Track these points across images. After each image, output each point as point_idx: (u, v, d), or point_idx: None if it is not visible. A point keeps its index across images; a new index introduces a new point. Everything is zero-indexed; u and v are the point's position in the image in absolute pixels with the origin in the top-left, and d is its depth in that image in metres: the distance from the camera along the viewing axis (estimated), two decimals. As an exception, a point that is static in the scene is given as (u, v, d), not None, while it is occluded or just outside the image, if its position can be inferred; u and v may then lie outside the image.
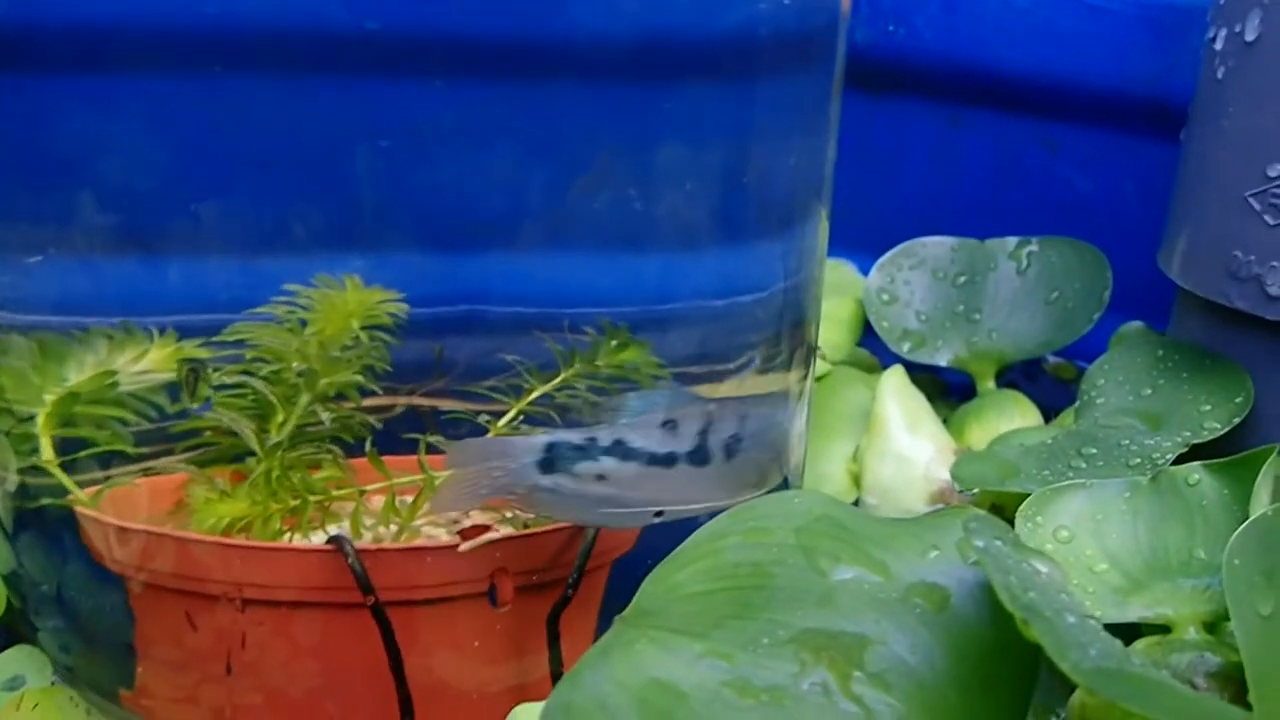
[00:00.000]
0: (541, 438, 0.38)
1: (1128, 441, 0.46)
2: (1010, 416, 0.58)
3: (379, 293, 0.40)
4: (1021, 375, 0.67)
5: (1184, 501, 0.37)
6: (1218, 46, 0.46)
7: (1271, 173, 0.44)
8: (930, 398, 0.67)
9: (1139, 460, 0.44)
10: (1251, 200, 0.44)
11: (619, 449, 0.38)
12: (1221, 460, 0.37)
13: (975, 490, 0.47)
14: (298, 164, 0.39)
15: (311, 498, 0.42)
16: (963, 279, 0.63)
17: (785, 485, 0.51)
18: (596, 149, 0.41)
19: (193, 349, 0.40)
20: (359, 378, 0.41)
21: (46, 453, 0.40)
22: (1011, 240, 0.64)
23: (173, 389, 0.40)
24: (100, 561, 0.41)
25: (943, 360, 0.62)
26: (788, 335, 0.46)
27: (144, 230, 0.38)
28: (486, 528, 0.39)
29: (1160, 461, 0.43)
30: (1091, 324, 0.58)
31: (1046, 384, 0.67)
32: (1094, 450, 0.46)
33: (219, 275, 0.40)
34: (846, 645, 0.31)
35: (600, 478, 0.38)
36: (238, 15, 0.37)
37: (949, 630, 0.31)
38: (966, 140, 0.69)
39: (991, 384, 0.61)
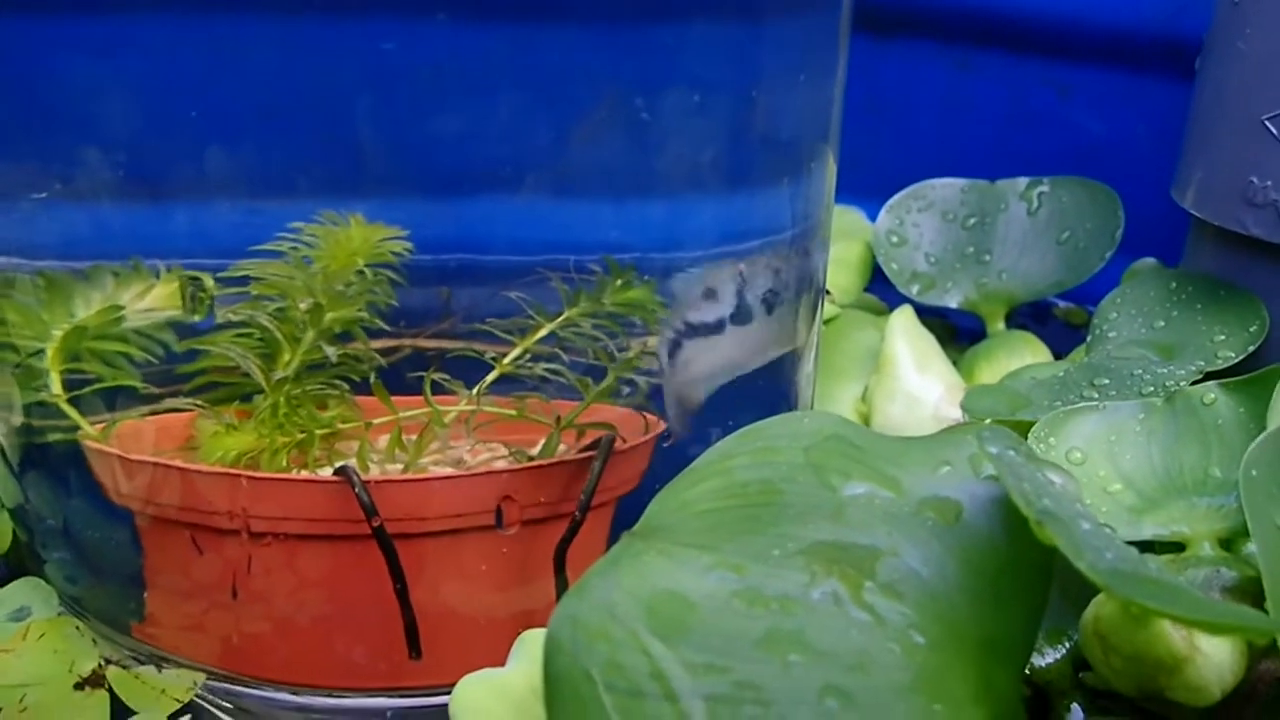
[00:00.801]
0: (664, 338, 0.41)
1: (1141, 371, 0.45)
2: (1021, 356, 0.57)
3: (383, 229, 0.40)
4: (1031, 319, 0.67)
5: (1199, 421, 0.37)
6: (1234, -31, 0.46)
7: (1288, 96, 0.43)
8: (940, 342, 0.66)
9: (1152, 389, 0.44)
10: (1269, 124, 0.44)
11: (689, 330, 0.40)
12: (1237, 379, 0.37)
13: (987, 422, 0.46)
14: (301, 107, 0.38)
15: (318, 431, 0.41)
16: (972, 220, 0.63)
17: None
18: (598, 90, 0.40)
19: (208, 284, 0.40)
20: (363, 314, 0.41)
21: (55, 388, 0.40)
22: (1022, 181, 0.63)
23: (179, 326, 0.39)
24: (107, 496, 0.41)
25: (953, 302, 0.61)
26: (795, 280, 0.45)
27: (150, 173, 0.38)
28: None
29: (1174, 389, 0.43)
30: (1103, 263, 0.58)
31: (1056, 328, 0.67)
32: (1106, 380, 0.45)
33: (224, 218, 0.39)
34: (858, 557, 0.30)
35: (687, 362, 0.40)
36: None
37: (961, 543, 0.31)
38: (976, 83, 0.68)
39: (1001, 325, 0.60)
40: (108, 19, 0.37)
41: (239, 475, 0.39)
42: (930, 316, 0.64)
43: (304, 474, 0.40)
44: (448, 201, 0.42)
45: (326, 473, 0.41)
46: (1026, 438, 0.38)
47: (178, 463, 0.40)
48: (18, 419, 0.42)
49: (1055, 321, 0.68)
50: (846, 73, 0.48)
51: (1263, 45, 0.44)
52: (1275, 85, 0.43)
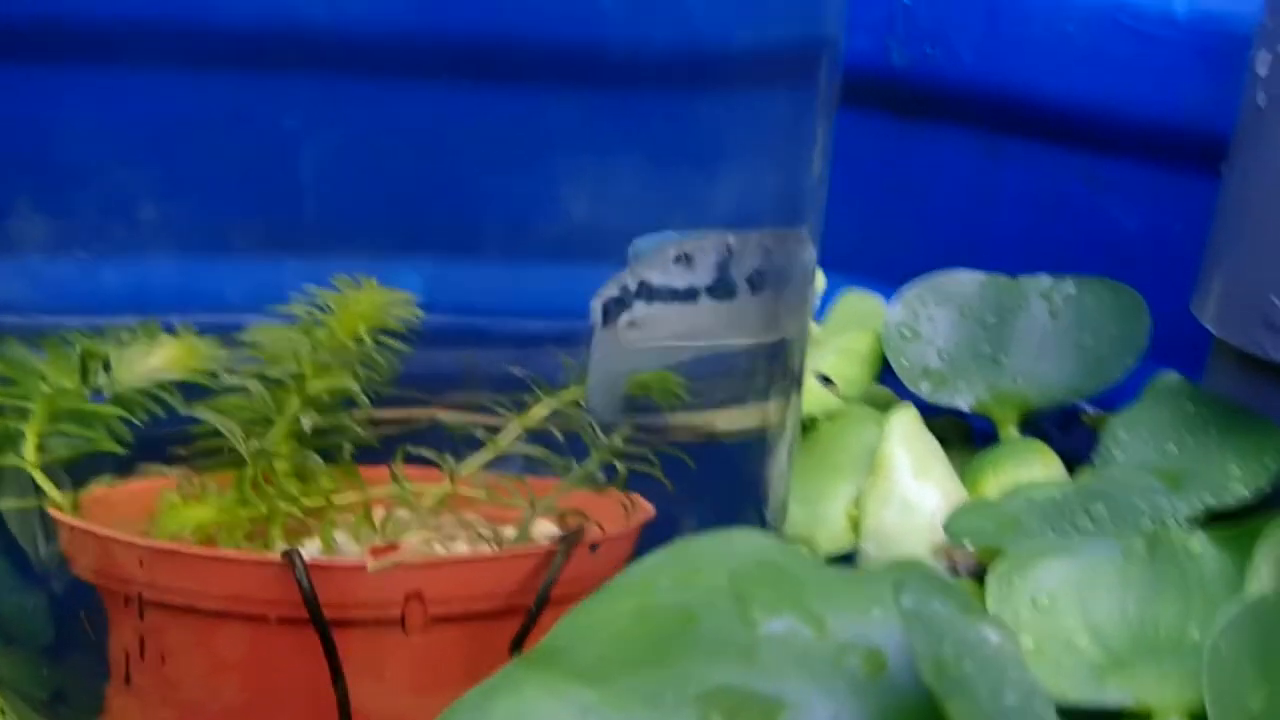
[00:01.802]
0: (602, 295, 0.38)
1: (1141, 502, 0.41)
2: (1030, 467, 0.53)
3: (394, 294, 0.39)
4: (1055, 425, 0.63)
5: (1182, 573, 0.33)
6: (1260, 72, 0.42)
7: (1314, 211, 0.39)
8: (952, 443, 0.62)
9: (1149, 523, 0.40)
10: (1292, 241, 0.40)
11: (644, 291, 0.38)
12: (1229, 528, 0.33)
13: (970, 545, 0.42)
14: (308, 166, 0.38)
15: (284, 506, 0.39)
16: (991, 318, 0.59)
17: (764, 526, 0.48)
18: (564, 157, 0.39)
19: (205, 348, 0.39)
20: (351, 384, 0.39)
21: (30, 451, 0.38)
22: (1046, 279, 0.59)
23: (185, 388, 0.38)
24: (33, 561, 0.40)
25: (963, 403, 0.57)
26: (764, 363, 0.42)
27: (174, 230, 0.38)
28: (395, 546, 0.36)
29: (1172, 525, 0.39)
30: (1125, 372, 0.54)
31: (1082, 435, 0.62)
32: (1103, 509, 0.42)
33: (234, 277, 0.39)
34: (762, 708, 0.27)
35: (632, 324, 0.38)
36: (242, 14, 0.36)
37: (881, 700, 0.27)
38: (1005, 172, 0.65)
39: (1014, 431, 0.57)
40: (104, 74, 0.37)
41: (147, 547, 0.37)
42: (943, 415, 0.61)
43: (235, 550, 0.38)
44: (452, 264, 0.41)
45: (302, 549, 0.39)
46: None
47: (88, 525, 0.38)
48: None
49: (1081, 428, 0.63)
50: (830, 149, 0.45)
51: (1290, 154, 0.40)
52: (1301, 198, 0.40)
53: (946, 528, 0.42)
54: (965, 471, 0.55)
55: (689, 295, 0.39)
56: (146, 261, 0.39)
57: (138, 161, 0.38)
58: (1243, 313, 0.42)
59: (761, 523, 0.47)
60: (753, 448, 0.45)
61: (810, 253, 0.45)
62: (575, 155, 0.40)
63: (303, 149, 0.38)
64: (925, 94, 0.65)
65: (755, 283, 0.41)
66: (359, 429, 0.40)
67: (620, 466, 0.41)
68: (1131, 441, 0.46)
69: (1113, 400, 0.59)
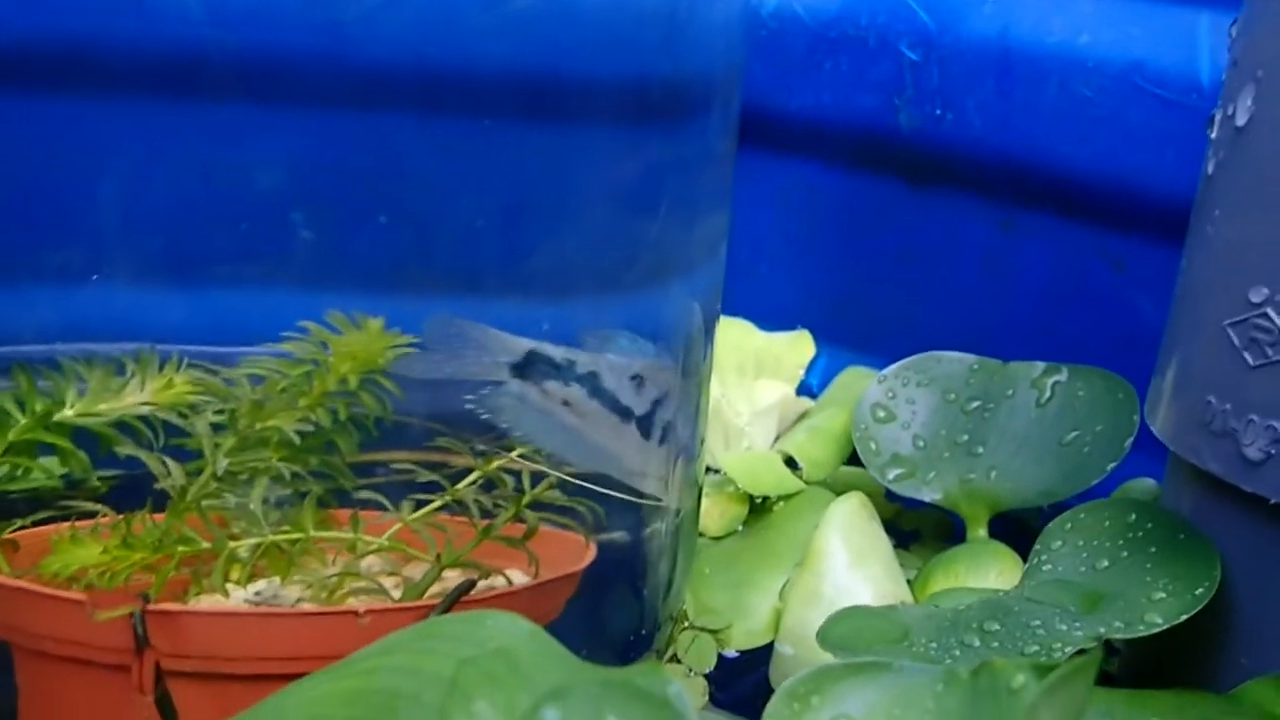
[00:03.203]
0: (524, 341, 0.37)
1: (1039, 623, 0.35)
2: (984, 573, 0.47)
3: (393, 338, 0.38)
4: (1044, 521, 0.56)
5: (1000, 710, 0.27)
6: (1212, 134, 0.36)
7: (1255, 297, 0.33)
8: (925, 539, 0.57)
9: (1036, 648, 0.34)
10: (1231, 331, 0.34)
11: (590, 381, 0.37)
12: (1058, 668, 0.27)
13: (838, 657, 0.37)
14: (290, 201, 0.37)
15: (180, 550, 0.38)
16: (975, 404, 0.54)
17: (641, 608, 0.44)
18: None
19: (182, 383, 0.38)
20: (287, 423, 0.38)
21: None
22: (1039, 365, 0.53)
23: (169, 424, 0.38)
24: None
25: (929, 496, 0.52)
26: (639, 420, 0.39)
27: (176, 261, 0.38)
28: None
29: (1058, 654, 0.33)
30: (1104, 475, 0.47)
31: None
32: (998, 627, 0.36)
33: (230, 311, 0.39)
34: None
35: (565, 403, 0.37)
36: (230, 49, 0.36)
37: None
38: (1020, 248, 0.59)
39: (983, 531, 0.50)
40: (106, 105, 0.37)
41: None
42: (924, 507, 0.55)
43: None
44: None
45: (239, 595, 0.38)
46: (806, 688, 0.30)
47: None
48: None
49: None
50: (724, 203, 0.41)
51: (1231, 229, 0.34)
52: (1240, 281, 0.34)
53: (820, 633, 0.37)
54: (917, 576, 0.49)
55: (625, 415, 0.38)
56: (143, 291, 0.39)
57: (133, 193, 0.37)
58: (1185, 415, 0.36)
59: (637, 601, 0.43)
60: (625, 519, 0.41)
61: (692, 314, 0.41)
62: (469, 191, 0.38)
63: (285, 184, 0.37)
64: (935, 160, 0.60)
65: (665, 434, 0.40)
66: (328, 469, 0.38)
67: (531, 519, 0.39)
68: (1064, 551, 0.40)
69: (1101, 496, 0.52)
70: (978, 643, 0.36)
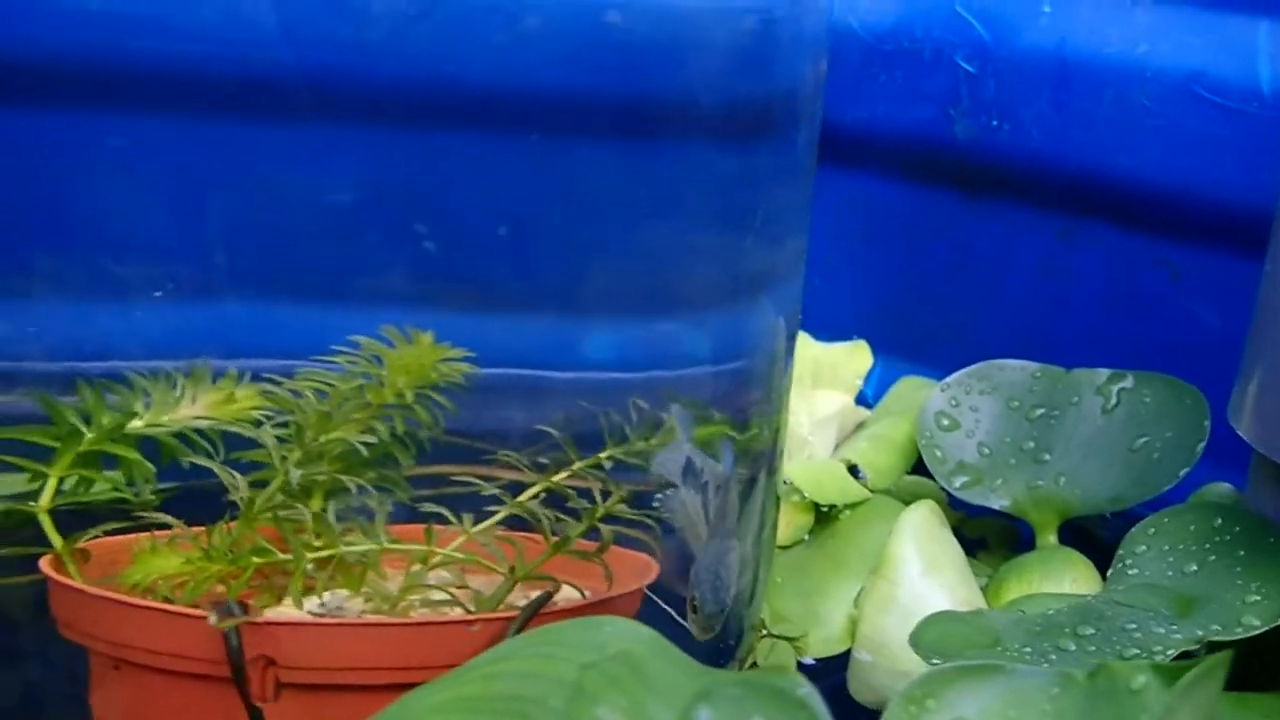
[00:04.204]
0: (686, 446, 0.37)
1: (1134, 626, 0.36)
2: (1059, 579, 0.48)
3: (443, 350, 0.38)
4: (1115, 535, 0.56)
5: (1119, 711, 0.28)
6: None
7: (1348, 302, 0.34)
8: (991, 547, 0.57)
9: (1136, 651, 0.34)
10: (1323, 336, 0.34)
11: (705, 493, 0.37)
12: (1179, 664, 0.27)
13: (937, 661, 0.38)
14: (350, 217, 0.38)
15: (255, 561, 0.38)
16: (1039, 411, 0.54)
17: (724, 618, 0.44)
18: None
19: (247, 395, 0.39)
20: (363, 435, 0.38)
21: (45, 496, 0.37)
22: (1103, 373, 0.54)
23: (235, 435, 0.38)
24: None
25: (998, 503, 0.52)
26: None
27: (235, 276, 0.38)
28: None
29: (1159, 657, 0.34)
30: (1175, 480, 0.47)
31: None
32: (1091, 630, 0.36)
33: (289, 325, 0.39)
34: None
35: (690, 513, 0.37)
36: (281, 64, 0.36)
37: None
38: (1077, 256, 0.60)
39: (1053, 538, 0.51)
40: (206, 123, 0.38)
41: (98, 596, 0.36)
42: (989, 516, 0.55)
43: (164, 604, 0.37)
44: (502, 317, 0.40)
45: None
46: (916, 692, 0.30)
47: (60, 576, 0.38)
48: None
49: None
50: (806, 220, 0.42)
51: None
52: (1333, 287, 0.34)
53: (912, 638, 0.38)
54: (989, 582, 0.50)
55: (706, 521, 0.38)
56: (203, 308, 0.39)
57: (191, 209, 0.38)
58: (1273, 418, 0.36)
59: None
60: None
61: (773, 320, 0.42)
62: (568, 211, 0.38)
63: (344, 200, 0.38)
64: (991, 171, 0.61)
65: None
66: (386, 483, 0.39)
67: (605, 532, 0.39)
68: (1149, 555, 0.40)
69: (1172, 502, 0.52)
70: (1073, 647, 0.36)
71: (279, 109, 0.37)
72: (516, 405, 0.41)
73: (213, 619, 0.33)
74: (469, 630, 0.34)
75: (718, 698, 0.24)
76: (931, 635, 0.37)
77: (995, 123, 0.59)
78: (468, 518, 0.39)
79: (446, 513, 0.38)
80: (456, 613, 0.38)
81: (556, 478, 0.40)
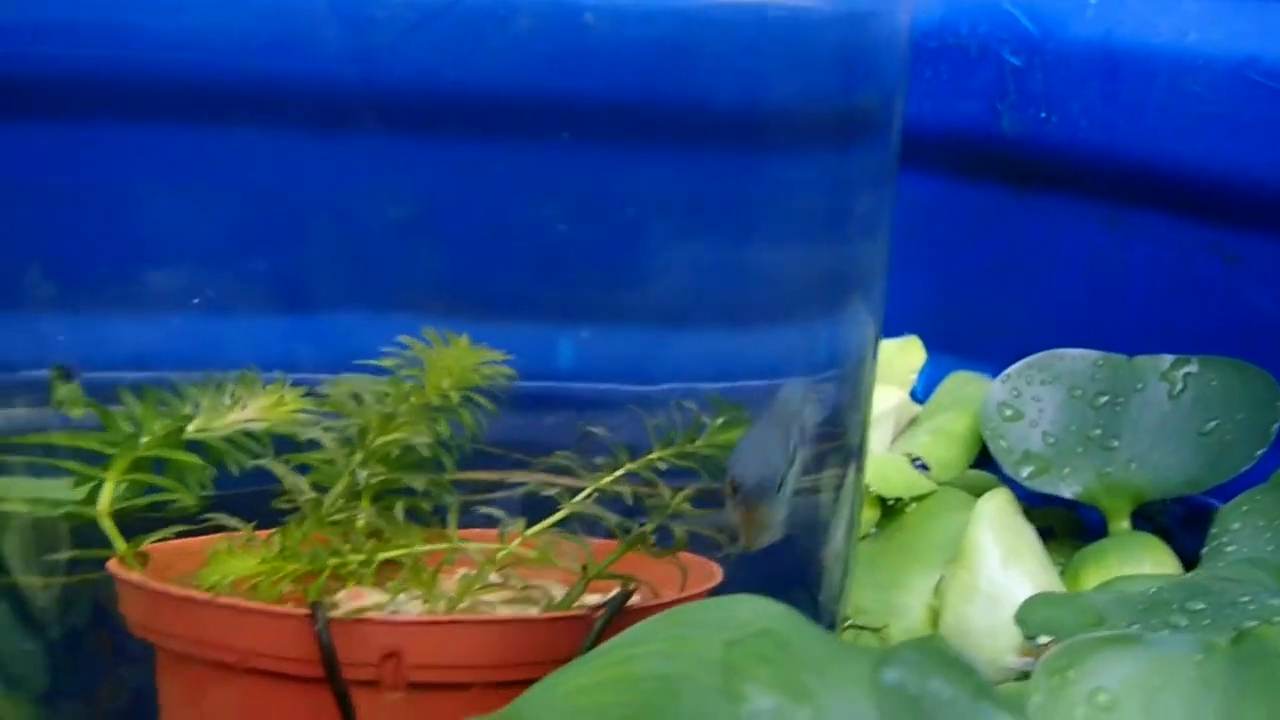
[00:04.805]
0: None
1: (1248, 599, 0.36)
2: (1138, 563, 0.48)
3: (484, 353, 0.38)
4: (1176, 520, 0.56)
5: (1272, 675, 0.27)
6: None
7: None
8: (1058, 537, 0.57)
9: (1255, 623, 0.34)
10: None
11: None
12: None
13: (1045, 640, 0.37)
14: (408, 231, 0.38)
15: (331, 562, 0.38)
16: (1103, 399, 0.54)
17: (816, 611, 0.44)
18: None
19: (294, 400, 0.38)
20: (417, 437, 0.37)
21: (104, 500, 0.37)
22: (1167, 358, 0.54)
23: (278, 440, 0.38)
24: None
25: (1068, 491, 0.52)
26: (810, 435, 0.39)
27: (281, 285, 0.38)
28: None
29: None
30: (1252, 462, 0.48)
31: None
32: (1202, 605, 0.36)
33: (341, 332, 0.39)
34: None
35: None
36: (356, 75, 0.36)
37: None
38: (1128, 246, 0.60)
39: (1126, 524, 0.51)
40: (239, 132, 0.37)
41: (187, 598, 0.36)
42: (1052, 505, 0.55)
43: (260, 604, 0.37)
44: (540, 327, 0.40)
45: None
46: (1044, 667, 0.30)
47: (130, 575, 0.37)
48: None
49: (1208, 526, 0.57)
50: (890, 221, 0.42)
51: None
52: None
53: (1018, 618, 0.37)
54: (1065, 568, 0.50)
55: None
56: (250, 317, 0.39)
57: (244, 220, 0.38)
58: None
59: (813, 605, 0.43)
60: (802, 521, 0.41)
61: (866, 323, 0.42)
62: (669, 220, 0.38)
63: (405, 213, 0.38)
64: (1040, 162, 0.61)
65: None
66: (434, 487, 0.38)
67: (678, 531, 0.38)
68: (1245, 532, 0.40)
69: (1231, 496, 0.52)
70: (1184, 622, 0.36)
71: (341, 119, 0.37)
72: (605, 418, 0.40)
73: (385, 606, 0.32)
74: (593, 617, 0.34)
75: (897, 662, 0.23)
76: (1038, 616, 0.37)
77: (1043, 115, 0.60)
78: (521, 521, 0.38)
79: (500, 514, 0.38)
80: (531, 613, 0.37)
81: (605, 480, 0.39)
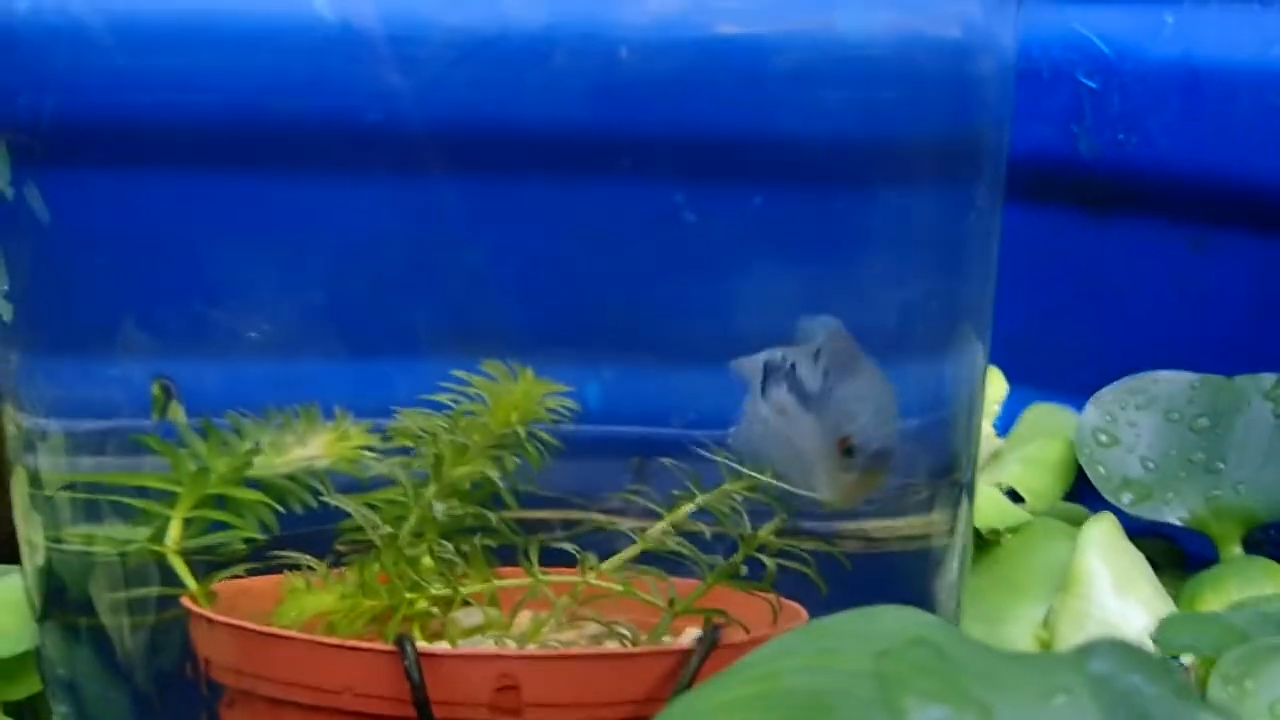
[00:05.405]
0: (761, 356, 0.33)
1: (1407, 611, 0.33)
2: (1259, 588, 0.45)
3: (547, 385, 0.37)
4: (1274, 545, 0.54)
5: None
6: None
7: None
8: (1160, 568, 0.55)
9: None
10: None
11: (793, 378, 0.32)
12: None
13: (1186, 661, 0.35)
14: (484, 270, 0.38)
15: (410, 596, 0.36)
16: (1203, 421, 0.52)
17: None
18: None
19: (358, 436, 0.38)
20: (489, 469, 0.36)
21: (172, 536, 0.37)
22: (1269, 377, 0.52)
23: (337, 477, 0.37)
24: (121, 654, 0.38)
25: (1174, 517, 0.50)
26: (927, 473, 0.39)
27: (342, 328, 0.38)
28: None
29: None
30: (1370, 479, 0.45)
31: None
32: (1357, 620, 0.34)
33: (406, 372, 0.38)
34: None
35: (781, 411, 0.32)
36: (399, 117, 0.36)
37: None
38: (1215, 267, 0.58)
39: (1238, 549, 0.49)
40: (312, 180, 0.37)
41: (262, 633, 0.34)
42: (1149, 536, 0.53)
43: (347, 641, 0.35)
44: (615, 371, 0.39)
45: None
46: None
47: (202, 612, 0.36)
48: (40, 559, 0.39)
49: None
50: (997, 249, 0.41)
51: None
52: None
53: (1157, 638, 0.35)
54: (1179, 595, 0.47)
55: (809, 402, 0.32)
56: (314, 358, 0.39)
57: (315, 267, 0.38)
58: None
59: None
60: (915, 558, 0.40)
61: (978, 356, 0.40)
62: (734, 257, 0.37)
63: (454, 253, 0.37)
64: (1119, 185, 0.60)
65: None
66: (504, 525, 0.37)
67: (769, 564, 0.36)
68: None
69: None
70: (1340, 637, 0.33)
71: (387, 159, 0.36)
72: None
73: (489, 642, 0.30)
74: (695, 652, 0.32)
75: (1098, 656, 0.21)
76: (1178, 636, 0.35)
77: (1122, 136, 0.59)
78: (592, 555, 0.36)
79: (576, 550, 0.36)
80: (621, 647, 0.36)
81: (681, 512, 0.37)
